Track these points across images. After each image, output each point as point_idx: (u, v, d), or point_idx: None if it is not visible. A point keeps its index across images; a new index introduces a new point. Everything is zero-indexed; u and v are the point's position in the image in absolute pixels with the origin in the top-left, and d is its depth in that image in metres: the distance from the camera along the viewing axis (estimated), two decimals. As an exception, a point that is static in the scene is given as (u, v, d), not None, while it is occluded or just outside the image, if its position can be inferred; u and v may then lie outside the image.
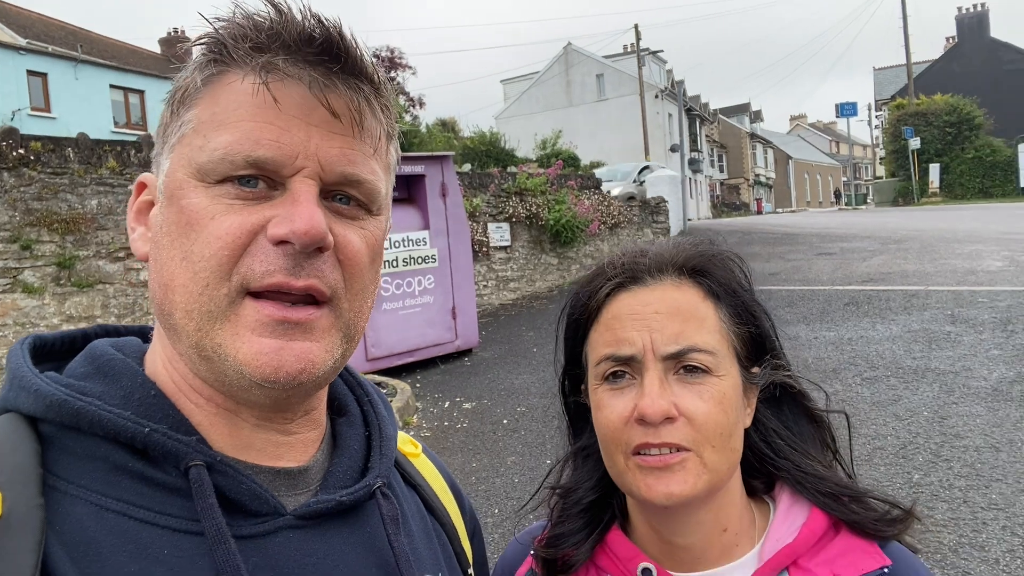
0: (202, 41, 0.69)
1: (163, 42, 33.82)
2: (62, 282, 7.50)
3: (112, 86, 26.54)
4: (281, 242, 0.65)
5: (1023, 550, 3.49)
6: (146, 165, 8.16)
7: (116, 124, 26.09)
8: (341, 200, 0.70)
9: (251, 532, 0.67)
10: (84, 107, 24.57)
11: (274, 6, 0.66)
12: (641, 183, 20.47)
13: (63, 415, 0.64)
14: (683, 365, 0.85)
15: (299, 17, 0.66)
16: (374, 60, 0.71)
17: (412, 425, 6.46)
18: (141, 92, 27.57)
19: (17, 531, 0.57)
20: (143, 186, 0.75)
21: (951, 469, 4.46)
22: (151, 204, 0.73)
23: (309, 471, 0.75)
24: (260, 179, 0.66)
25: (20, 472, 0.61)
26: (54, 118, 23.46)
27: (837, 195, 53.46)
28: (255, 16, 0.66)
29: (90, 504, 0.62)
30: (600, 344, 0.90)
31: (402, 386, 7.11)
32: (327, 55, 0.66)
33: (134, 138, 9.01)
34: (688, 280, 0.90)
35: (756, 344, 0.92)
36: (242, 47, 0.66)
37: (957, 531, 3.73)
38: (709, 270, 0.91)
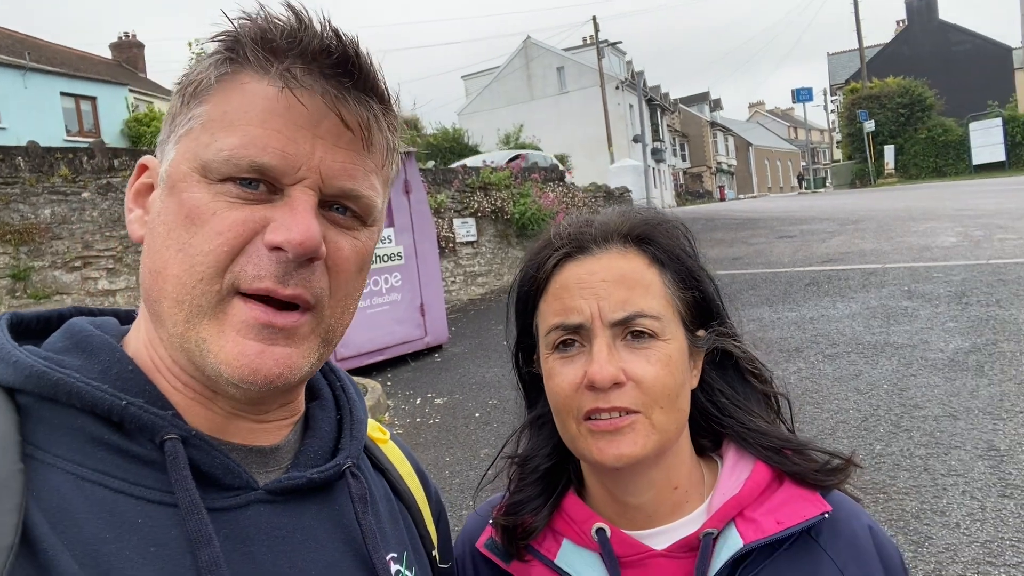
0: (220, 38, 0.70)
1: (114, 47, 33.08)
2: (17, 294, 7.32)
3: (63, 93, 25.85)
4: (276, 248, 0.66)
5: (982, 513, 3.60)
6: (98, 172, 8.00)
7: (68, 132, 25.43)
8: (338, 210, 0.72)
9: (223, 505, 0.69)
10: (34, 116, 23.88)
11: (295, 14, 0.67)
12: None
13: (41, 386, 0.65)
14: (630, 331, 0.87)
15: (318, 28, 0.68)
16: (385, 79, 0.73)
17: (384, 423, 6.44)
18: (93, 99, 26.91)
19: None
20: (144, 168, 0.76)
21: (911, 439, 4.59)
22: (151, 187, 0.74)
23: (281, 449, 0.77)
24: (261, 182, 0.68)
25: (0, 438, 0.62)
26: (4, 128, 22.79)
27: (800, 179, 54.17)
28: (276, 20, 0.67)
29: (67, 473, 0.64)
30: (549, 314, 0.92)
31: (373, 385, 7.08)
32: (342, 69, 0.68)
33: (87, 146, 8.81)
34: (633, 248, 0.93)
35: (701, 308, 0.95)
36: (260, 50, 0.67)
37: (919, 498, 3.84)
38: (654, 237, 0.93)
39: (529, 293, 0.97)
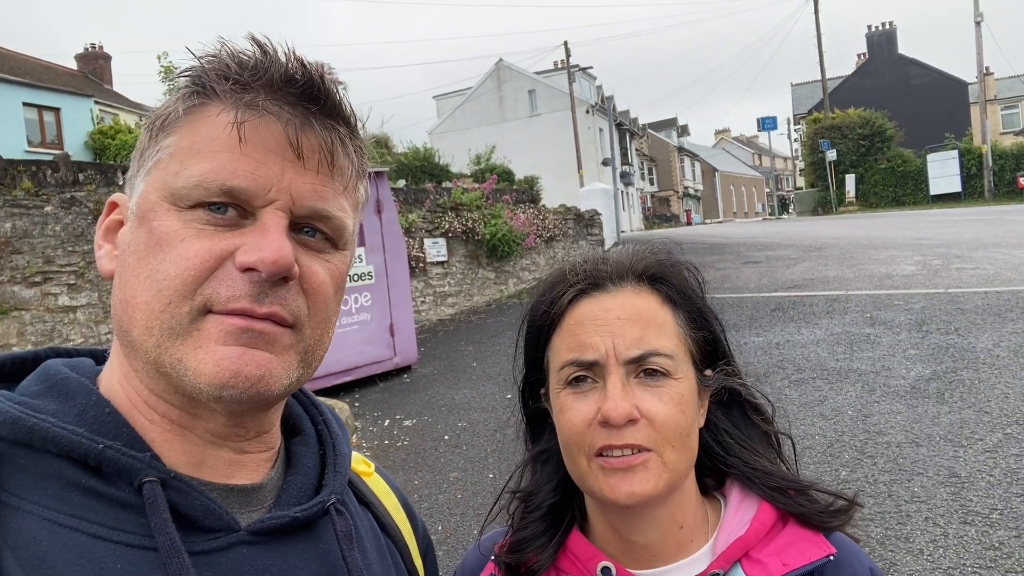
0: (187, 73, 0.71)
1: (80, 58, 32.57)
2: (-27, 309, 7.10)
3: (25, 104, 25.32)
4: (248, 269, 0.66)
5: (945, 540, 3.67)
6: (62, 185, 7.83)
7: (30, 143, 24.89)
8: (309, 233, 0.72)
9: (204, 548, 0.68)
10: (-6, 126, 23.36)
11: (259, 46, 0.69)
12: None
13: (16, 432, 0.64)
14: (643, 368, 0.88)
15: (283, 59, 0.69)
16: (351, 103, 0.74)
17: (351, 445, 6.35)
18: (56, 110, 26.38)
19: None
20: (114, 205, 0.77)
21: (875, 465, 4.66)
22: (121, 224, 0.75)
23: (263, 488, 0.76)
24: (231, 207, 0.68)
25: None
26: (-39, 137, 22.21)
27: (784, 203, 54.73)
28: (241, 55, 0.69)
29: (43, 520, 0.63)
30: (563, 349, 0.92)
31: (340, 406, 6.99)
32: (307, 96, 0.70)
33: (50, 158, 8.63)
34: (647, 287, 0.94)
35: (710, 348, 0.97)
36: (226, 82, 0.68)
37: (883, 524, 3.90)
38: (667, 277, 0.96)
39: (542, 328, 0.97)
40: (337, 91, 0.72)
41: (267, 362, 0.68)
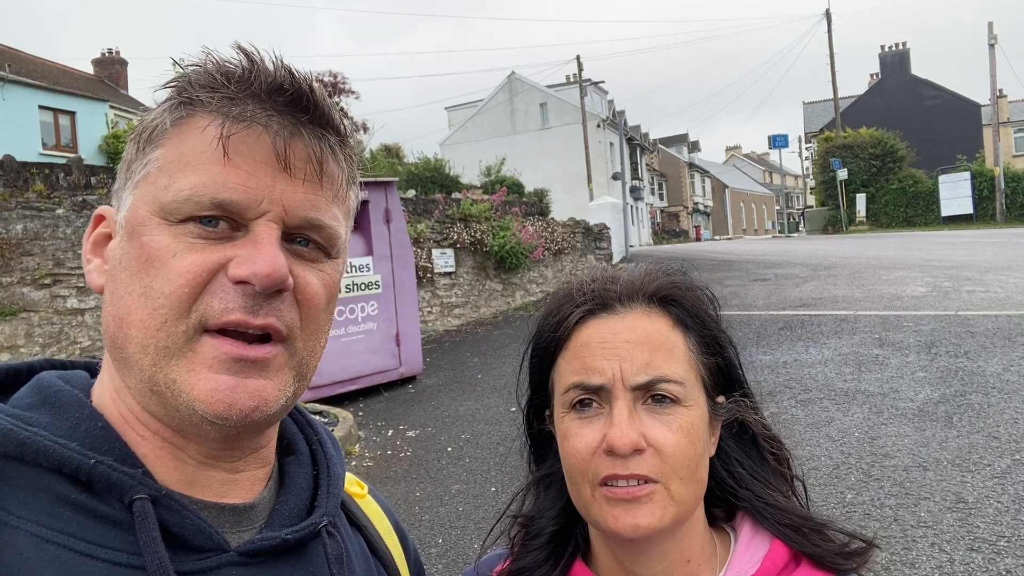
0: (172, 84, 0.70)
1: (97, 63, 32.91)
2: (-17, 310, 7.15)
3: (41, 107, 25.59)
4: (241, 282, 0.66)
5: (951, 566, 3.62)
6: (75, 189, 7.89)
7: (45, 146, 25.12)
8: (301, 243, 0.71)
9: (193, 568, 0.66)
10: (11, 129, 23.54)
11: (246, 55, 0.68)
12: None
13: (7, 445, 0.64)
14: (652, 395, 0.84)
15: (271, 67, 0.68)
16: (340, 110, 0.73)
17: (354, 455, 6.34)
18: (72, 113, 26.64)
19: None
20: (101, 218, 0.76)
21: (882, 488, 4.61)
22: (109, 237, 0.74)
23: (255, 508, 0.75)
24: (223, 220, 0.67)
25: None
26: (-22, 139, 22.43)
27: (802, 215, 54.47)
28: (227, 64, 0.68)
29: (31, 535, 0.62)
30: (568, 372, 0.88)
31: (344, 415, 6.98)
32: (296, 105, 0.69)
33: (63, 160, 8.70)
34: (658, 309, 0.90)
35: (723, 375, 0.93)
36: (213, 93, 0.67)
37: (888, 549, 3.85)
38: (679, 299, 0.91)
39: (547, 348, 0.93)
40: (327, 99, 0.71)
41: (261, 389, 0.67)
